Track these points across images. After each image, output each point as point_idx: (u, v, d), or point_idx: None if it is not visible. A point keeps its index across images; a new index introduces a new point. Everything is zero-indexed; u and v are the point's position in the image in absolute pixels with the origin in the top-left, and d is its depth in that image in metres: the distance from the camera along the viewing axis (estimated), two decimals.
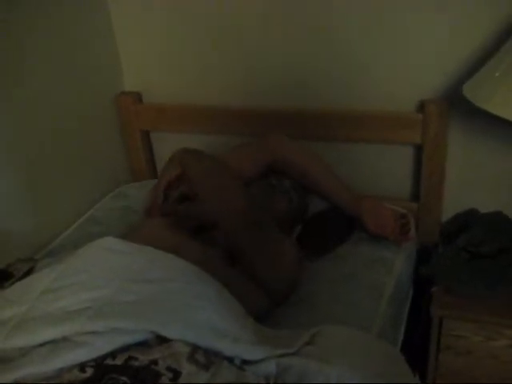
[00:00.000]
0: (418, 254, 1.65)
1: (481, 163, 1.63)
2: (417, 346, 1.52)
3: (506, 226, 1.55)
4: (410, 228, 1.54)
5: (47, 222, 1.65)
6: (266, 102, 1.77)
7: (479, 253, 1.47)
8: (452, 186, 1.67)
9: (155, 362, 0.88)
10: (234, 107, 1.81)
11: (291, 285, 1.32)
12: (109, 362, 0.88)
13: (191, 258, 1.13)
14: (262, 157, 1.58)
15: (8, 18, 1.47)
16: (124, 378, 0.85)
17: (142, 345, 0.93)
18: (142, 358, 0.89)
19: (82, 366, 0.88)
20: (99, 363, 0.88)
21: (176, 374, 0.87)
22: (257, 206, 1.38)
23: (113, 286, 1.01)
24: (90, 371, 0.87)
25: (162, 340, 0.94)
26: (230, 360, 0.95)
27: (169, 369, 0.88)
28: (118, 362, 0.88)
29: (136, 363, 0.88)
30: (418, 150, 1.66)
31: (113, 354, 0.89)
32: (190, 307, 1.00)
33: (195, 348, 0.93)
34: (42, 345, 0.92)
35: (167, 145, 2.00)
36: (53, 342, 0.92)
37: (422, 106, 1.58)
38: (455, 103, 1.53)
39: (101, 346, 0.90)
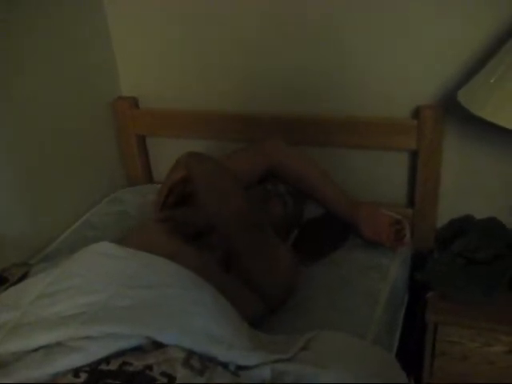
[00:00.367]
0: (413, 259, 1.65)
1: (476, 169, 1.63)
2: (412, 351, 1.52)
3: (501, 232, 1.56)
4: (406, 234, 1.55)
5: (42, 226, 1.64)
6: (262, 108, 1.78)
7: (474, 259, 1.47)
8: (447, 192, 1.67)
9: (150, 368, 0.88)
10: (231, 112, 1.81)
11: (287, 290, 1.32)
12: (103, 367, 0.88)
13: (187, 264, 1.12)
14: (259, 162, 1.58)
15: (8, 18, 1.47)
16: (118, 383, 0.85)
17: (137, 350, 0.93)
18: (137, 364, 0.88)
19: (76, 371, 0.87)
20: (93, 368, 0.88)
21: (171, 379, 0.87)
22: (256, 209, 1.38)
23: (108, 291, 1.01)
24: (84, 376, 0.86)
25: (157, 345, 0.93)
26: (225, 365, 0.95)
27: (163, 374, 0.87)
28: (113, 367, 0.88)
29: (130, 368, 0.88)
30: (414, 155, 1.66)
31: (107, 359, 0.89)
32: (185, 313, 1.00)
33: (190, 353, 0.93)
34: (36, 350, 0.91)
35: (163, 150, 2.00)
36: (47, 346, 0.91)
37: (417, 112, 1.58)
38: (450, 109, 1.53)
39: (95, 351, 0.90)
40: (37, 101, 1.59)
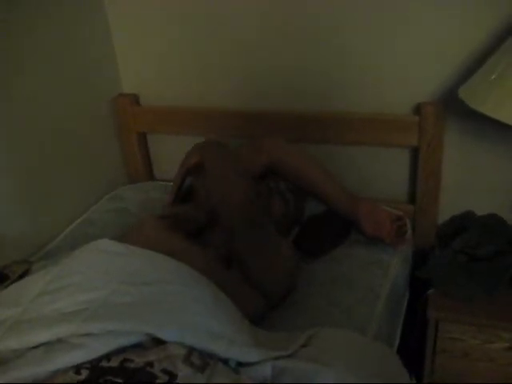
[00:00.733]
0: (414, 256, 1.65)
1: (477, 165, 1.63)
2: (413, 348, 1.52)
3: (502, 228, 1.56)
4: (407, 230, 1.55)
5: (43, 223, 1.64)
6: (263, 105, 1.77)
7: (475, 255, 1.47)
8: (448, 189, 1.67)
9: (151, 364, 0.88)
10: (232, 110, 1.81)
11: (287, 287, 1.32)
12: (104, 364, 0.88)
13: (188, 261, 1.13)
14: (259, 159, 1.58)
15: (8, 18, 1.47)
16: (119, 380, 0.85)
17: (138, 347, 0.93)
18: (138, 360, 0.88)
19: (77, 368, 0.87)
20: (94, 365, 0.88)
21: (172, 376, 0.87)
22: (260, 206, 1.38)
23: (108, 287, 1.01)
24: (85, 373, 0.86)
25: (158, 342, 0.93)
26: (226, 362, 0.95)
27: (164, 371, 0.87)
28: (114, 364, 0.88)
29: (131, 365, 0.88)
30: (415, 152, 1.66)
31: (108, 356, 0.89)
32: (186, 310, 1.00)
33: (191, 350, 0.93)
34: (36, 347, 0.92)
35: (164, 147, 2.00)
36: (47, 343, 0.91)
37: (418, 109, 1.58)
38: (451, 106, 1.53)
39: (96, 348, 0.90)
40: (37, 100, 1.59)
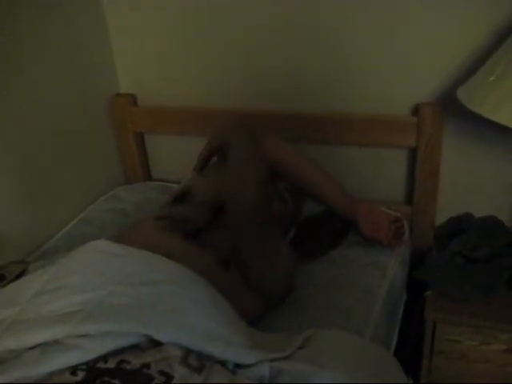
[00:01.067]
0: (411, 257, 1.65)
1: (475, 167, 1.63)
2: (410, 349, 1.52)
3: (500, 230, 1.56)
4: (404, 232, 1.55)
5: (40, 223, 1.64)
6: (262, 106, 1.77)
7: (473, 257, 1.47)
8: (446, 190, 1.67)
9: (147, 366, 0.87)
10: (230, 110, 1.80)
11: (287, 287, 1.31)
12: (101, 365, 0.87)
13: (186, 262, 1.12)
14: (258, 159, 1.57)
15: (8, 18, 1.46)
16: (116, 382, 0.84)
17: (135, 348, 0.92)
18: (134, 362, 0.88)
19: (73, 370, 0.87)
20: (91, 366, 0.87)
21: (168, 377, 0.87)
22: (266, 206, 1.37)
23: (105, 288, 1.00)
24: (81, 374, 0.86)
25: (155, 343, 0.93)
26: (223, 364, 0.95)
27: (161, 372, 0.87)
28: (110, 365, 0.87)
29: (128, 367, 0.87)
30: (413, 153, 1.66)
31: (105, 358, 0.89)
32: (182, 311, 0.99)
33: (188, 352, 0.92)
34: (33, 347, 0.91)
35: (161, 147, 2.00)
36: (44, 345, 0.91)
37: (416, 110, 1.58)
38: (450, 107, 1.53)
39: (92, 349, 0.89)
40: (35, 100, 1.58)
